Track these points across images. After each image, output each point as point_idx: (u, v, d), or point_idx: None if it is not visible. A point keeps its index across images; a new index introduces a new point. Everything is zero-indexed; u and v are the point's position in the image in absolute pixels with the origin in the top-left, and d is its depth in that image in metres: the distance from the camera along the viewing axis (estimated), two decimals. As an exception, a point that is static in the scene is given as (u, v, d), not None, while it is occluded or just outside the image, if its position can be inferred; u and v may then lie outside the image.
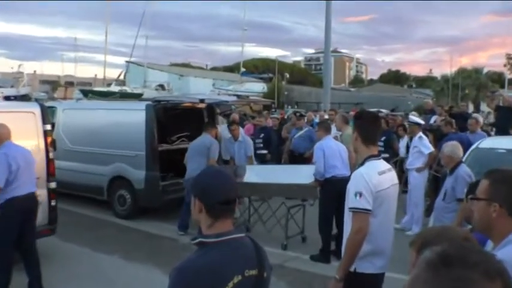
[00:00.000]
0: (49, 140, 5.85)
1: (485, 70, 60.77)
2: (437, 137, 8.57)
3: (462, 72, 56.78)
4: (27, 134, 5.68)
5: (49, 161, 5.82)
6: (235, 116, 10.74)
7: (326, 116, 12.21)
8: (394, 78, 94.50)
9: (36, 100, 8.20)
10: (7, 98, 12.51)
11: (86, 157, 8.60)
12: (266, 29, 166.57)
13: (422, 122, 8.49)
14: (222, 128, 9.50)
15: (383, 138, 8.16)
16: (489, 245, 1.85)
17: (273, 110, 27.67)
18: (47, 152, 5.80)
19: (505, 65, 56.38)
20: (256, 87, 43.43)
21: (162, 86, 37.50)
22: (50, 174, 5.83)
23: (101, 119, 8.67)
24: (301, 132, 9.93)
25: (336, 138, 6.99)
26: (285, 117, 17.31)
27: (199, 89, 36.20)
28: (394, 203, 3.11)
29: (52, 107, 9.18)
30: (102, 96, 15.78)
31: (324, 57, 24.15)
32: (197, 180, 1.80)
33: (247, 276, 1.73)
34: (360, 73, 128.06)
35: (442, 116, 10.56)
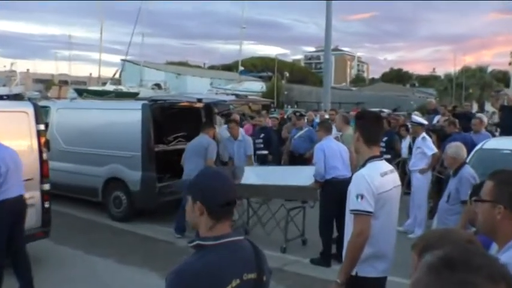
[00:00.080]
0: (42, 140, 5.84)
1: (489, 69, 61.07)
2: (441, 137, 8.58)
3: (466, 71, 56.93)
4: (20, 134, 5.67)
5: (42, 162, 5.81)
6: (236, 116, 10.70)
7: (326, 116, 12.23)
8: (396, 77, 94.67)
9: (29, 99, 8.16)
10: (-1, 97, 12.50)
11: (80, 158, 8.59)
12: (265, 26, 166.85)
13: (425, 122, 8.50)
14: (222, 128, 9.50)
15: (385, 139, 8.17)
16: (494, 248, 1.85)
17: (273, 109, 27.70)
18: (41, 152, 5.80)
19: (510, 64, 56.46)
20: (255, 86, 43.38)
21: (158, 85, 37.45)
22: (44, 175, 5.82)
23: (95, 119, 8.66)
24: (301, 133, 9.92)
25: (336, 138, 6.99)
26: (285, 117, 17.31)
27: (197, 88, 36.16)
28: (397, 205, 3.11)
29: (46, 106, 9.17)
30: (97, 96, 15.78)
31: (324, 56, 24.18)
32: (197, 182, 1.79)
33: (246, 280, 1.73)
34: (361, 72, 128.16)
35: (446, 116, 10.56)
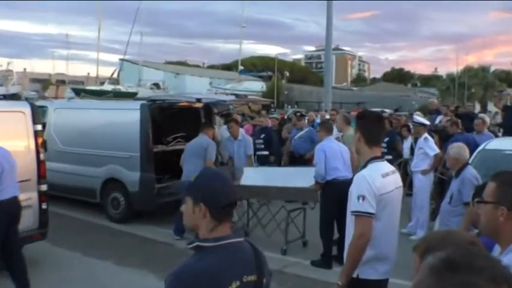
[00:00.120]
0: (40, 140, 5.85)
1: (492, 68, 61.10)
2: (443, 138, 8.59)
3: (468, 70, 56.92)
4: (17, 134, 5.68)
5: (40, 163, 5.81)
6: (237, 116, 10.68)
7: (327, 116, 12.23)
8: (398, 76, 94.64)
9: (26, 99, 8.17)
10: (-4, 97, 12.50)
11: (78, 158, 8.59)
12: (265, 25, 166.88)
13: (427, 122, 8.51)
14: (223, 128, 9.49)
15: (386, 139, 8.17)
16: (496, 250, 1.85)
17: (273, 109, 27.70)
18: (38, 153, 5.80)
19: (512, 63, 56.48)
20: (255, 86, 43.39)
21: (157, 85, 37.46)
22: (41, 176, 5.82)
23: (93, 119, 8.67)
24: (301, 133, 9.92)
25: (337, 139, 7.00)
26: (285, 117, 17.31)
27: (196, 88, 36.13)
28: (398, 206, 3.11)
29: (43, 106, 9.17)
30: (95, 95, 15.80)
31: (325, 55, 24.19)
32: (199, 184, 1.79)
33: (246, 282, 1.73)
34: (363, 71, 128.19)
35: (448, 116, 10.57)
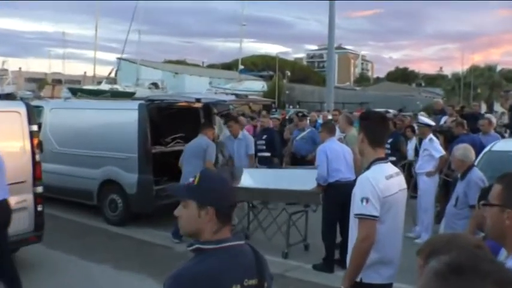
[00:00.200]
0: (35, 141, 5.85)
1: (498, 68, 60.96)
2: (448, 138, 8.59)
3: (474, 70, 56.91)
4: (12, 135, 5.69)
5: (35, 164, 5.82)
6: (242, 118, 10.58)
7: (329, 117, 12.25)
8: (402, 76, 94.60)
9: (22, 99, 8.20)
10: (-9, 97, 12.54)
11: (74, 160, 8.60)
12: (266, 24, 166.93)
13: (432, 123, 8.50)
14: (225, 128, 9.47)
15: (390, 141, 8.18)
16: (502, 254, 1.85)
17: (274, 110, 27.74)
18: (33, 154, 5.80)
19: (519, 63, 56.49)
20: (255, 85, 43.43)
21: (155, 85, 37.53)
22: (37, 177, 5.82)
23: (90, 120, 8.67)
24: (303, 134, 9.91)
25: (340, 140, 7.00)
26: (286, 117, 17.33)
27: (195, 87, 36.16)
28: (403, 208, 3.12)
29: (39, 106, 9.19)
30: (92, 95, 15.83)
31: (327, 54, 24.21)
32: (204, 187, 1.78)
33: (247, 286, 1.74)
34: (366, 71, 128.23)
35: (453, 117, 10.57)
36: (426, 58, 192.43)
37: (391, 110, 20.17)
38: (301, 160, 9.61)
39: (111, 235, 7.65)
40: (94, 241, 7.26)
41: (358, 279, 2.89)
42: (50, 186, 6.85)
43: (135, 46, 44.01)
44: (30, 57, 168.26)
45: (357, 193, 2.93)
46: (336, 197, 5.87)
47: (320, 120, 12.18)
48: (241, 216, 7.43)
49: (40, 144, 6.06)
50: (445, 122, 10.61)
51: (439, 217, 7.11)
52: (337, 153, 6.18)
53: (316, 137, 9.15)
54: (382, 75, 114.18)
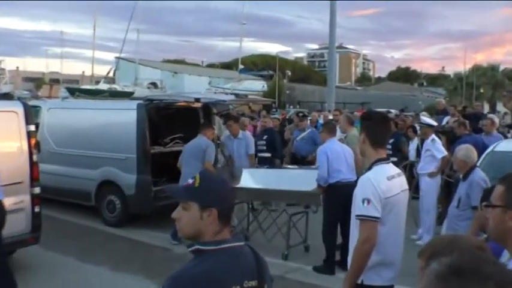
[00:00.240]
0: (33, 141, 5.85)
1: (501, 67, 60.87)
2: (450, 139, 8.59)
3: (477, 69, 56.88)
4: (9, 135, 5.69)
5: (33, 164, 5.82)
6: (245, 119, 10.52)
7: (330, 117, 12.24)
8: (404, 75, 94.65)
9: (19, 99, 8.17)
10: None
11: (72, 160, 8.60)
12: (266, 22, 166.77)
13: (434, 123, 8.51)
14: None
15: (391, 141, 8.18)
16: (505, 256, 1.85)
17: (274, 110, 27.73)
18: (31, 154, 5.81)
19: (522, 62, 56.49)
20: (255, 85, 43.48)
21: (154, 84, 37.52)
22: (34, 178, 5.82)
23: (88, 120, 8.67)
24: (303, 134, 9.91)
25: (341, 140, 7.00)
26: (287, 117, 17.33)
27: (195, 87, 36.18)
28: (404, 210, 3.12)
29: (36, 106, 9.19)
30: (90, 95, 15.77)
31: (328, 53, 24.21)
32: (206, 189, 1.78)
33: (247, 287, 1.74)
34: (367, 70, 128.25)
35: (455, 117, 10.59)
36: (428, 57, 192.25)
37: (392, 110, 20.17)
38: (302, 161, 9.61)
39: (108, 236, 7.65)
40: (91, 243, 7.26)
41: (359, 281, 2.89)
42: (47, 187, 6.85)
43: (134, 45, 44.00)
44: (28, 56, 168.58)
45: (358, 194, 2.93)
46: (336, 198, 5.87)
47: (321, 121, 12.16)
48: (241, 217, 7.43)
49: (37, 144, 6.07)
50: (447, 122, 10.62)
51: (441, 218, 7.11)
52: (338, 153, 6.18)
53: (316, 138, 9.15)
54: (383, 74, 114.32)
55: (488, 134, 8.51)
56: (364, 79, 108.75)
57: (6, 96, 6.94)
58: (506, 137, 9.32)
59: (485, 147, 6.76)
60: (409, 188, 3.41)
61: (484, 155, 6.04)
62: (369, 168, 3.03)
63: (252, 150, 8.28)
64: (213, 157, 7.35)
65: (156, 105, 8.79)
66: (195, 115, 8.98)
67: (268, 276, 1.87)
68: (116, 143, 8.09)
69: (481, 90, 54.72)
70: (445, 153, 7.52)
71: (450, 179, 7.53)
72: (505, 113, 21.51)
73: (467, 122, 8.72)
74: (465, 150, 4.95)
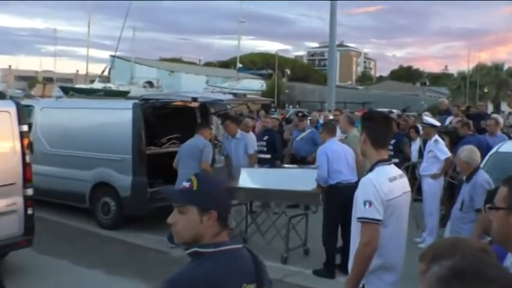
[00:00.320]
0: (26, 142, 5.85)
1: (506, 66, 60.96)
2: (453, 139, 8.59)
3: (481, 68, 56.98)
4: (1, 135, 5.68)
5: (25, 165, 5.81)
6: (249, 120, 10.45)
7: (331, 117, 12.24)
8: (406, 75, 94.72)
9: (12, 98, 8.17)
10: (-21, 96, 12.51)
11: (66, 161, 8.59)
12: (265, 20, 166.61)
13: (437, 123, 8.51)
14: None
15: (393, 142, 8.17)
16: (509, 259, 1.85)
17: (273, 109, 27.73)
18: (23, 155, 5.80)
19: (527, 61, 56.61)
20: (254, 84, 43.52)
21: (150, 83, 37.52)
22: (27, 179, 5.82)
23: (83, 120, 8.67)
24: (303, 134, 9.91)
25: (341, 141, 7.00)
26: (286, 117, 17.32)
27: (192, 86, 36.19)
28: (406, 212, 3.12)
29: (29, 105, 9.17)
30: (84, 94, 15.82)
31: (328, 52, 24.22)
32: (205, 191, 1.78)
33: (245, 291, 1.75)
34: (368, 69, 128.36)
35: (459, 117, 10.58)
36: (431, 56, 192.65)
37: (394, 110, 20.15)
38: (301, 161, 9.62)
39: (103, 239, 7.64)
40: (86, 245, 7.25)
41: (360, 286, 2.89)
42: (40, 188, 6.84)
43: (130, 43, 44.13)
44: (21, 54, 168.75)
45: (359, 196, 2.92)
46: (337, 200, 5.87)
47: (321, 121, 12.16)
48: (239, 219, 7.43)
49: (30, 145, 6.07)
50: (450, 123, 10.61)
51: (444, 221, 7.12)
52: (338, 154, 6.18)
53: (316, 138, 9.15)
54: (385, 73, 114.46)
55: (492, 134, 8.52)
56: (365, 78, 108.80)
57: (-1, 96, 6.94)
58: (510, 138, 9.31)
59: (489, 147, 6.77)
60: (412, 189, 3.41)
61: (487, 156, 6.05)
62: (370, 170, 3.02)
63: (252, 150, 8.26)
64: (211, 157, 7.34)
65: (152, 105, 8.79)
66: (192, 115, 8.98)
67: (267, 279, 1.87)
68: (111, 143, 8.08)
69: (485, 90, 54.82)
70: (449, 154, 7.52)
71: (453, 180, 7.53)
72: (510, 113, 21.56)
73: (471, 122, 8.72)
74: (468, 151, 4.95)
